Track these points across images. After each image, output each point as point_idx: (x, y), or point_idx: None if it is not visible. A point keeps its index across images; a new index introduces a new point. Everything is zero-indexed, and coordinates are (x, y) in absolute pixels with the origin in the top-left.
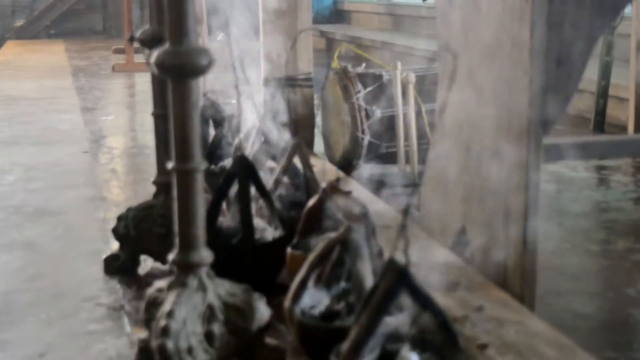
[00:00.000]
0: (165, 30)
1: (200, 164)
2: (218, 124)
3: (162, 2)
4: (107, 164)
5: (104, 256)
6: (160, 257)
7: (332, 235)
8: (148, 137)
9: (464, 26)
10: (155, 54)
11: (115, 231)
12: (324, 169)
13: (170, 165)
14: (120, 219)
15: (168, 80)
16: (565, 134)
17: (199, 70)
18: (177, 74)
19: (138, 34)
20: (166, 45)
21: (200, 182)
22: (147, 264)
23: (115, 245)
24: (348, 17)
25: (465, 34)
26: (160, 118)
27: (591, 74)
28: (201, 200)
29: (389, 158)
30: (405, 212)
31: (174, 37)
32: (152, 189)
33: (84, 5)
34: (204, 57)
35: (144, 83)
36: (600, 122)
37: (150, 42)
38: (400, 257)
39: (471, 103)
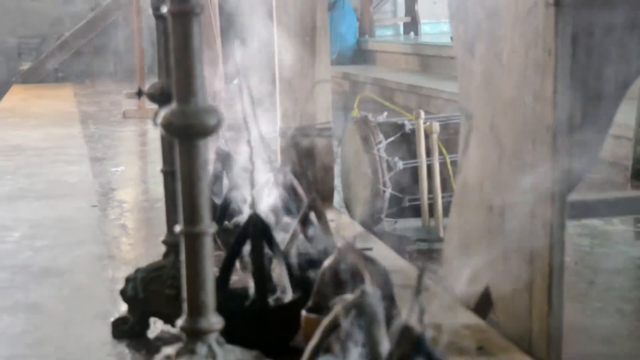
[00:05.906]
0: (172, 88)
1: (208, 227)
2: (232, 176)
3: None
4: (117, 219)
5: (112, 319)
6: (170, 319)
7: (347, 298)
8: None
9: (485, 78)
10: (162, 113)
11: (123, 293)
12: (342, 224)
13: (178, 227)
14: (128, 280)
15: (175, 140)
16: (602, 183)
17: (208, 131)
18: (185, 135)
19: (147, 88)
20: (173, 105)
21: (209, 245)
22: (157, 326)
23: (123, 308)
24: (372, 58)
25: (486, 86)
26: (169, 175)
27: (628, 119)
28: (210, 264)
29: (413, 212)
30: (420, 275)
31: (181, 96)
32: (164, 246)
33: (92, 47)
34: (213, 117)
35: (156, 130)
36: (638, 171)
37: (159, 96)
38: (416, 323)
39: (492, 159)
